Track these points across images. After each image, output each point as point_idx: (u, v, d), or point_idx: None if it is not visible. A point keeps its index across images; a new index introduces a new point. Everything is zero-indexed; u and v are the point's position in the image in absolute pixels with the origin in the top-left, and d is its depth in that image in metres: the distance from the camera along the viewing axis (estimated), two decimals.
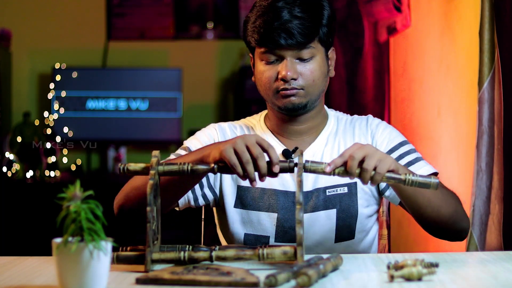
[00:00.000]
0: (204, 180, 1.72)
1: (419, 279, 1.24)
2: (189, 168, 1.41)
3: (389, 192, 1.70)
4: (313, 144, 1.72)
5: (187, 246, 1.48)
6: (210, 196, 1.73)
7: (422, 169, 1.67)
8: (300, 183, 1.33)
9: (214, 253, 1.34)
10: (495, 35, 1.83)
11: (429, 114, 2.63)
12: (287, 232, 1.67)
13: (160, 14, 4.71)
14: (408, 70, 2.94)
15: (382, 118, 3.25)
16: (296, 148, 1.70)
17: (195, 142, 1.78)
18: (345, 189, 1.68)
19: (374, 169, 1.37)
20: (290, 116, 1.70)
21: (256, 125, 1.78)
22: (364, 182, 1.37)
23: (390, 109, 3.21)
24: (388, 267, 1.30)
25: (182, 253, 1.35)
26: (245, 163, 1.38)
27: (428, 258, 1.37)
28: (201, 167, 1.42)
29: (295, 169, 1.38)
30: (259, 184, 1.67)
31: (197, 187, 1.72)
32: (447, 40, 2.41)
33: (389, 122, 3.16)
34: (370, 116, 1.79)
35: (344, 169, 1.37)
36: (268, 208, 1.68)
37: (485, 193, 1.85)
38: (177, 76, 4.50)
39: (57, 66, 4.50)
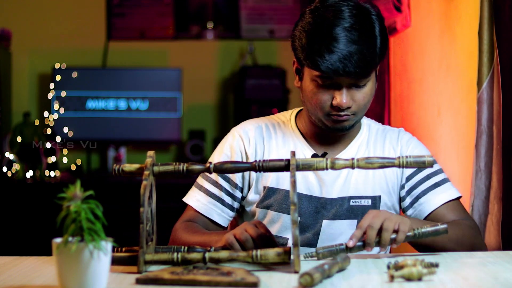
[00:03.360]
0: (228, 187, 1.72)
1: (419, 279, 1.24)
2: (184, 168, 1.41)
3: (412, 211, 1.71)
4: (343, 152, 1.71)
5: (182, 247, 1.48)
6: (239, 195, 1.73)
7: (445, 193, 1.68)
8: (293, 184, 1.33)
9: (207, 255, 1.34)
10: (494, 36, 1.83)
11: (429, 114, 2.63)
12: (306, 236, 1.67)
13: (160, 14, 4.71)
14: (408, 70, 2.94)
15: (382, 118, 3.25)
16: (325, 154, 1.70)
17: (219, 158, 1.74)
18: (369, 202, 1.68)
19: (395, 231, 1.41)
20: (334, 133, 1.68)
21: (285, 123, 1.75)
22: (383, 245, 1.41)
23: (390, 109, 3.22)
24: (388, 267, 1.30)
25: (175, 254, 1.35)
26: (244, 241, 1.44)
27: (428, 258, 1.38)
28: (196, 167, 1.42)
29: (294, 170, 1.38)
30: (284, 185, 1.69)
31: (226, 198, 1.72)
32: (447, 40, 2.41)
33: (389, 122, 3.17)
34: (402, 130, 1.77)
35: (362, 244, 1.42)
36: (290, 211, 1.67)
37: (484, 193, 1.86)
38: (177, 76, 4.50)
39: (57, 66, 4.50)
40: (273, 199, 1.68)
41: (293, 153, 1.39)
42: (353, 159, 1.39)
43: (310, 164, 1.38)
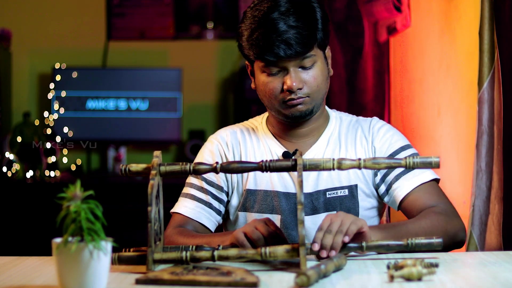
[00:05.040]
0: (214, 191, 1.75)
1: (419, 279, 1.24)
2: (191, 168, 1.41)
3: (388, 198, 1.71)
4: (314, 146, 1.74)
5: (190, 246, 1.48)
6: (225, 198, 1.76)
7: (418, 177, 1.67)
8: (300, 184, 1.33)
9: (216, 253, 1.34)
10: (495, 35, 1.83)
11: (429, 114, 2.63)
12: (289, 234, 1.68)
13: (160, 14, 4.71)
14: (408, 70, 2.94)
15: (382, 118, 3.24)
16: (297, 151, 1.71)
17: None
18: (346, 192, 1.69)
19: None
20: (295, 122, 1.71)
21: (258, 127, 1.79)
22: (334, 248, 1.37)
23: (390, 109, 3.21)
24: (388, 267, 1.30)
25: (184, 252, 1.35)
26: (256, 240, 1.44)
27: (428, 258, 1.38)
28: (203, 167, 1.42)
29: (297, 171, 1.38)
30: (262, 187, 1.71)
31: (214, 202, 1.75)
32: (447, 40, 2.41)
33: (389, 122, 3.16)
34: (374, 119, 1.79)
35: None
36: (271, 210, 1.69)
37: (484, 193, 1.85)
38: (177, 76, 4.50)
39: (57, 66, 4.49)
40: (253, 200, 1.71)
41: (300, 153, 1.39)
42: (359, 159, 1.40)
43: (316, 164, 1.39)
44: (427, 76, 2.66)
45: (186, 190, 1.76)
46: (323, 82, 1.66)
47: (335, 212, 1.67)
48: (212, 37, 4.68)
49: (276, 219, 1.68)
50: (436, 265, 1.29)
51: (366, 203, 1.70)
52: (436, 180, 1.70)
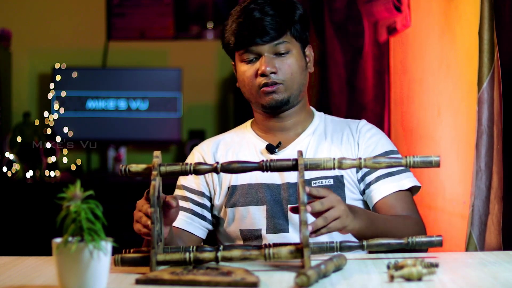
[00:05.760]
0: (195, 197, 1.78)
1: (419, 279, 1.24)
2: (191, 168, 1.42)
3: (365, 197, 1.74)
4: (298, 138, 1.78)
5: (191, 246, 1.48)
6: (208, 203, 1.79)
7: (396, 183, 1.70)
8: (303, 184, 1.33)
9: (219, 254, 1.34)
10: (495, 35, 1.82)
11: (429, 114, 2.63)
12: (276, 223, 1.70)
13: (160, 14, 4.71)
14: (408, 70, 2.94)
15: (382, 118, 3.25)
16: (280, 143, 1.76)
17: (189, 178, 1.81)
18: (331, 181, 1.71)
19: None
20: (275, 113, 1.75)
21: (241, 129, 1.85)
22: (313, 229, 1.37)
23: (390, 109, 3.21)
24: (388, 267, 1.30)
25: (187, 254, 1.35)
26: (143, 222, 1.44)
27: (428, 258, 1.38)
28: (203, 167, 1.43)
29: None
30: (246, 180, 1.75)
31: (197, 217, 1.78)
32: (447, 40, 2.41)
33: (389, 122, 3.16)
34: (363, 120, 1.83)
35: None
36: (257, 201, 1.72)
37: (484, 193, 1.85)
38: (177, 76, 4.50)
39: (57, 66, 4.50)
40: (237, 195, 1.74)
41: (301, 153, 1.39)
42: (360, 158, 1.41)
43: (317, 164, 1.39)
44: (427, 76, 2.66)
45: None
46: (298, 72, 1.71)
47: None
48: (212, 37, 4.68)
49: (262, 209, 1.71)
50: (436, 265, 1.29)
51: (352, 194, 1.73)
52: (416, 188, 1.74)
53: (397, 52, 3.11)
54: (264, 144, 1.78)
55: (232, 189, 1.75)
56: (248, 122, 1.87)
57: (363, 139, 1.76)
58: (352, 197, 1.72)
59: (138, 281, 1.25)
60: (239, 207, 1.73)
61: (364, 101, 3.42)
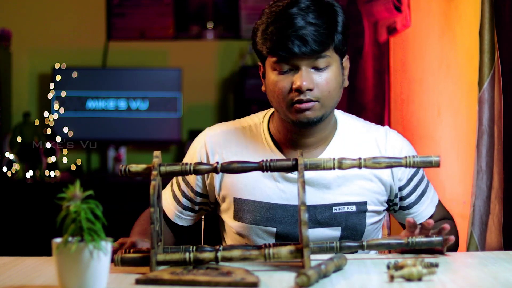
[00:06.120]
0: (186, 190, 1.71)
1: (419, 279, 1.24)
2: (191, 168, 1.41)
3: (400, 217, 1.74)
4: (321, 156, 1.62)
5: (191, 246, 1.47)
6: (199, 200, 1.71)
7: (431, 202, 1.72)
8: (303, 184, 1.33)
9: (219, 254, 1.34)
10: (495, 35, 1.82)
11: (429, 114, 2.63)
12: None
13: (160, 14, 4.71)
14: (408, 70, 2.94)
15: (382, 118, 3.25)
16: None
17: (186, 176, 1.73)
18: (353, 208, 1.61)
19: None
20: (302, 129, 1.60)
21: (257, 126, 1.68)
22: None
23: (390, 109, 3.21)
24: (388, 267, 1.30)
25: (187, 254, 1.34)
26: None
27: (428, 258, 1.37)
28: (204, 167, 1.42)
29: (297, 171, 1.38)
30: (249, 196, 1.62)
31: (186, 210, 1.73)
32: (447, 40, 2.40)
33: (389, 122, 3.16)
34: (388, 130, 1.69)
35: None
36: (266, 222, 1.62)
37: (485, 193, 1.85)
38: (177, 76, 4.50)
39: (57, 66, 4.49)
40: (246, 211, 1.63)
41: (301, 153, 1.38)
42: (360, 158, 1.40)
43: (317, 164, 1.38)
44: (427, 76, 2.66)
45: (170, 183, 1.77)
46: (336, 89, 1.56)
47: (339, 227, 1.61)
48: (212, 37, 4.68)
49: (271, 232, 1.61)
50: (436, 265, 1.29)
51: (373, 219, 1.65)
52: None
53: (397, 52, 3.11)
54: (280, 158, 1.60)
55: (237, 202, 1.64)
56: (265, 117, 1.69)
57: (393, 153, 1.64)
58: (371, 222, 1.65)
59: (138, 281, 1.25)
60: (246, 224, 1.64)
61: (364, 101, 3.42)
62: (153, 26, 4.70)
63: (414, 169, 1.67)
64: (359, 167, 1.39)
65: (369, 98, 3.38)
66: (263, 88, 1.63)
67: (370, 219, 1.64)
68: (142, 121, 4.51)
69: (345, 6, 3.58)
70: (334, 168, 1.38)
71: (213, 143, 1.68)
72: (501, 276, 1.30)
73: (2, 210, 4.09)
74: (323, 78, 1.53)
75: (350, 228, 1.61)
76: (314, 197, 1.60)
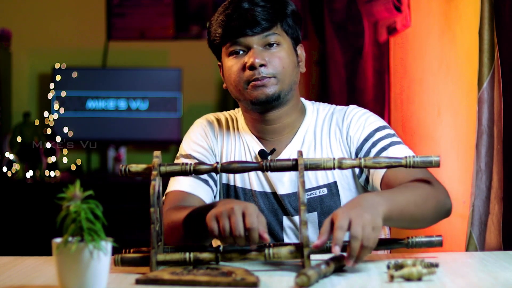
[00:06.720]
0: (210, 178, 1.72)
1: (419, 279, 1.24)
2: (191, 168, 1.41)
3: (370, 186, 1.65)
4: (290, 145, 1.69)
5: (191, 246, 1.47)
6: (216, 178, 1.72)
7: (394, 154, 1.59)
8: (303, 184, 1.33)
9: (219, 254, 1.34)
10: (495, 35, 1.83)
11: (429, 114, 2.63)
12: (270, 232, 1.65)
13: (160, 14, 4.71)
14: (408, 70, 2.94)
15: (382, 118, 3.25)
16: (274, 150, 1.69)
17: (194, 146, 1.74)
18: (325, 190, 1.64)
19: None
20: (264, 111, 1.65)
21: (238, 120, 1.76)
22: (352, 257, 1.26)
23: (390, 109, 3.21)
24: (388, 267, 1.30)
25: (187, 254, 1.35)
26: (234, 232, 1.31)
27: (428, 258, 1.38)
28: (204, 167, 1.42)
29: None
30: (239, 183, 1.68)
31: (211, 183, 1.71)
32: (447, 40, 2.41)
33: (389, 122, 3.16)
34: (350, 107, 1.72)
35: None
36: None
37: (484, 193, 1.85)
38: (177, 76, 4.50)
39: (57, 66, 4.50)
40: (232, 196, 1.69)
41: (301, 153, 1.39)
42: (360, 158, 1.39)
43: (317, 164, 1.38)
44: (427, 76, 2.66)
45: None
46: (290, 67, 1.61)
47: (315, 212, 1.64)
48: None
49: None
50: (436, 265, 1.29)
51: (349, 198, 1.65)
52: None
53: (397, 52, 3.11)
54: (258, 147, 1.69)
55: (227, 189, 1.70)
56: (239, 114, 1.77)
57: (352, 127, 1.66)
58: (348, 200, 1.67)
59: (138, 281, 1.25)
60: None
61: (364, 101, 3.42)
62: (153, 26, 4.70)
63: (370, 131, 1.65)
64: (359, 167, 1.39)
65: (369, 98, 3.38)
66: (224, 86, 1.71)
67: (345, 198, 1.65)
68: (142, 121, 4.52)
69: (345, 6, 3.58)
70: (334, 168, 1.39)
71: (211, 126, 1.76)
72: (501, 276, 1.30)
73: (2, 210, 4.09)
74: (275, 55, 1.60)
75: (326, 212, 1.63)
76: (285, 186, 1.65)
